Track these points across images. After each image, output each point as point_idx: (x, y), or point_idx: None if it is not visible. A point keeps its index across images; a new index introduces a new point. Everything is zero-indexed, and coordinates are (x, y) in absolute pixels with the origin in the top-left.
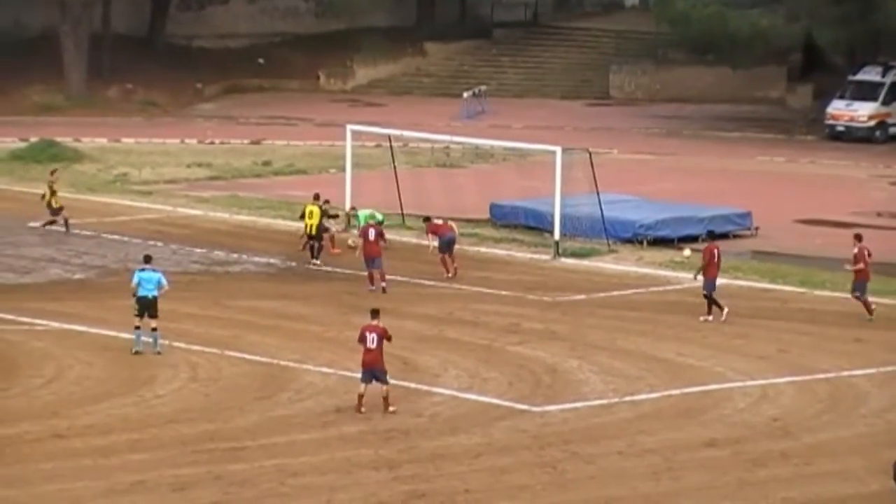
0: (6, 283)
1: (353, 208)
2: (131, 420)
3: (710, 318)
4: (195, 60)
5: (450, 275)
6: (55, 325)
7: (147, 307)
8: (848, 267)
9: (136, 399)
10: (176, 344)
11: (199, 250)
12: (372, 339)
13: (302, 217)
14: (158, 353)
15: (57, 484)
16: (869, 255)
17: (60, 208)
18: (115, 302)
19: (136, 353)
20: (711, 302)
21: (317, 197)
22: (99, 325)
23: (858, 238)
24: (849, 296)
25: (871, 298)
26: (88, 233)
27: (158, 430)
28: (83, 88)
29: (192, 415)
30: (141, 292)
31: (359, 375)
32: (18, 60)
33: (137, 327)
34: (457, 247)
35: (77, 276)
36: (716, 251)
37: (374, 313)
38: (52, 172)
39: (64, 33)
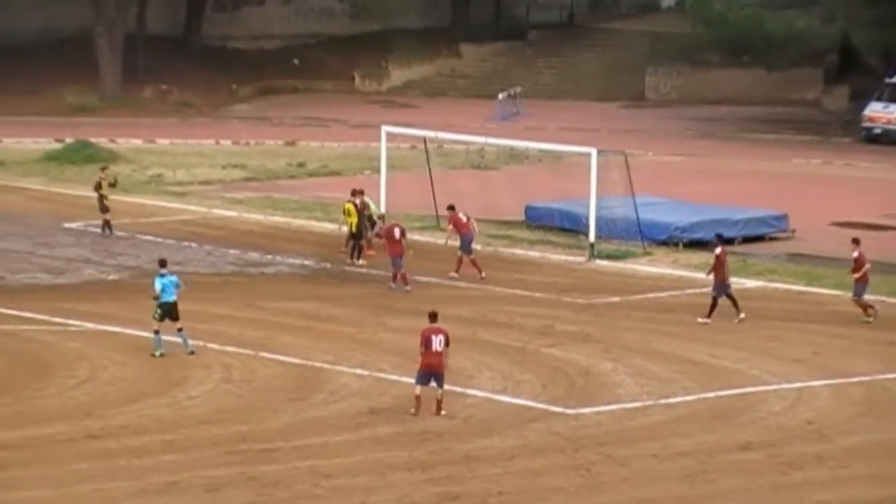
0: (41, 284)
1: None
2: (165, 421)
3: (709, 320)
4: (230, 61)
5: (456, 274)
6: (89, 325)
7: (170, 311)
8: (855, 275)
9: (169, 400)
10: (210, 345)
11: (233, 251)
12: (439, 342)
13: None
14: (192, 352)
15: (90, 484)
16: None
17: (108, 208)
18: (149, 303)
19: (161, 355)
20: (715, 305)
21: (354, 193)
22: (133, 326)
23: (857, 242)
24: (884, 299)
25: None
26: (123, 234)
27: (192, 431)
28: (118, 89)
29: (226, 416)
30: (164, 297)
31: (392, 377)
32: (53, 61)
33: (157, 331)
34: (490, 249)
35: (111, 277)
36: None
37: (433, 316)
38: (103, 169)
39: (99, 34)
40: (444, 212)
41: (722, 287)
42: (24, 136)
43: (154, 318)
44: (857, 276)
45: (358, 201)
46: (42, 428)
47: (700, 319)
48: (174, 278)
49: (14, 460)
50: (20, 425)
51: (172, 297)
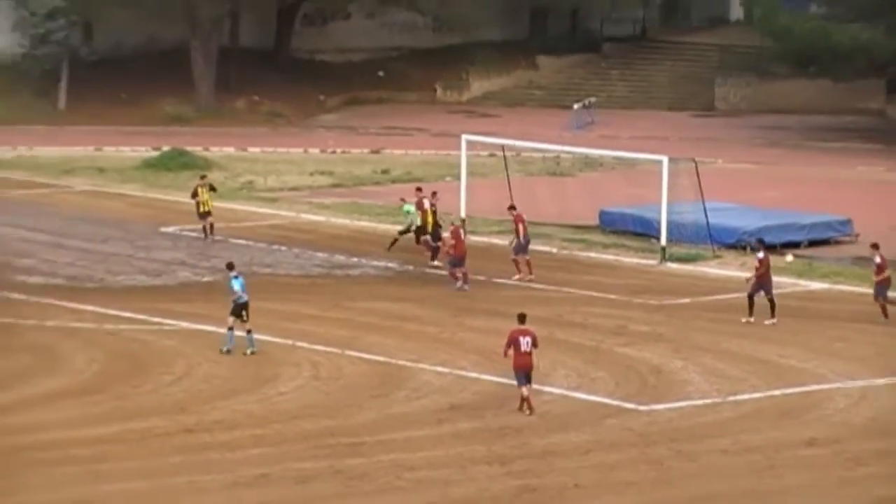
0: (139, 285)
1: (402, 199)
2: (256, 416)
3: (752, 319)
4: (318, 73)
5: (532, 277)
6: (184, 325)
7: (243, 310)
8: (875, 277)
9: (260, 396)
10: (299, 344)
11: (320, 254)
12: (527, 343)
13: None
14: (254, 352)
15: (185, 476)
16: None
17: (208, 213)
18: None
19: (227, 351)
20: (751, 304)
21: (433, 194)
22: (224, 326)
23: (876, 247)
24: None
25: None
26: (216, 237)
27: (282, 426)
28: (212, 100)
29: (314, 411)
30: (242, 297)
31: (472, 375)
32: (152, 74)
33: (231, 328)
34: (566, 252)
35: (205, 279)
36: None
37: (522, 318)
38: (202, 178)
39: (194, 48)
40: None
41: (758, 287)
42: (123, 145)
43: (232, 315)
44: (878, 279)
45: (428, 203)
46: (139, 422)
47: (766, 321)
48: (239, 280)
49: (113, 453)
50: (119, 420)
51: (246, 297)
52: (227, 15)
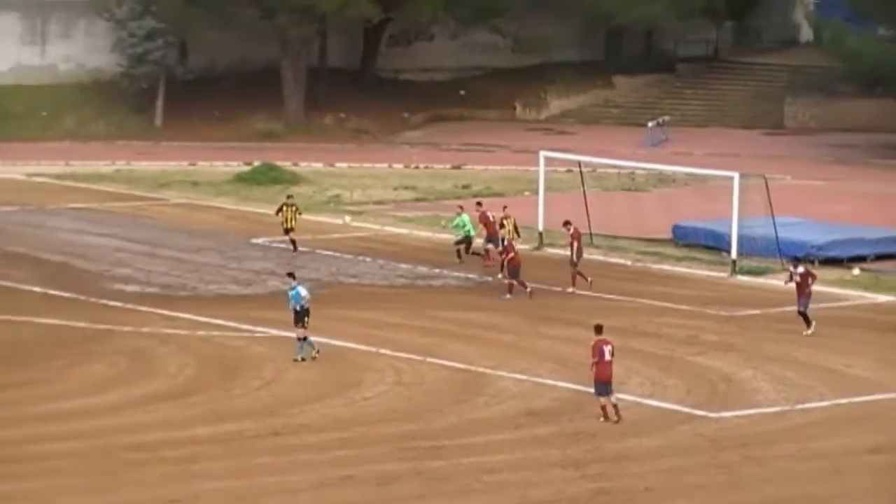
0: (231, 294)
1: (460, 207)
2: (341, 419)
3: (810, 331)
4: (403, 92)
5: (573, 289)
6: (273, 332)
7: (305, 317)
8: None
9: (346, 400)
10: (382, 351)
11: (404, 265)
12: (609, 352)
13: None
14: (302, 359)
15: (274, 477)
16: None
17: (291, 229)
18: (327, 311)
19: (303, 359)
20: (805, 318)
21: (504, 208)
22: (312, 333)
23: None
24: None
25: None
26: (304, 249)
27: (366, 429)
28: (301, 117)
29: (397, 415)
30: (306, 305)
31: (548, 382)
32: (243, 92)
33: (304, 338)
34: (640, 264)
35: None
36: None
37: (599, 329)
38: (289, 196)
39: (284, 67)
40: (597, 230)
41: (801, 302)
42: (216, 160)
43: (297, 323)
44: None
45: (493, 215)
46: (231, 425)
47: (805, 332)
48: (300, 289)
49: (206, 454)
50: (211, 422)
51: (305, 306)
52: (315, 36)
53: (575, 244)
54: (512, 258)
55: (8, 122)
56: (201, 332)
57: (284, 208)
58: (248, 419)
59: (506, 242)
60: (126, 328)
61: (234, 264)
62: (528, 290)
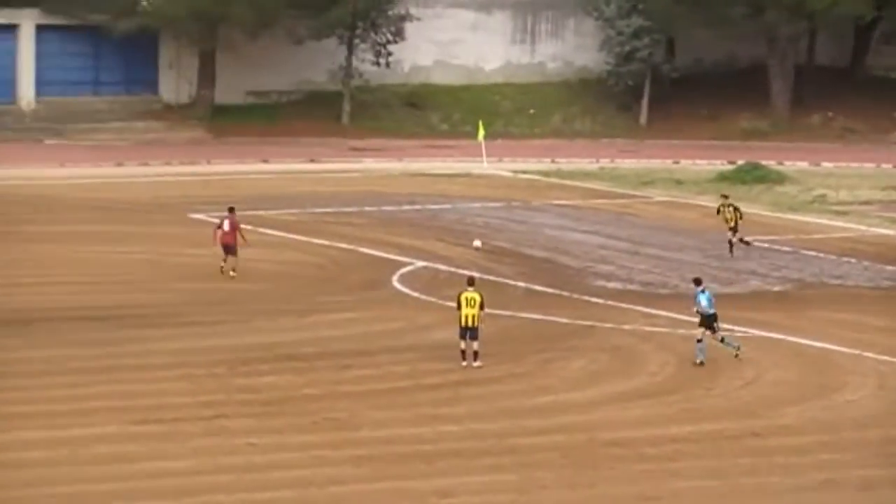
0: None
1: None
2: (822, 422)
3: None
4: (893, 91)
5: None
6: (753, 332)
7: (714, 321)
8: None
9: (826, 403)
10: (866, 354)
11: (889, 267)
12: None
13: None
14: (703, 362)
15: (752, 478)
16: None
17: (733, 228)
18: (811, 313)
19: (701, 363)
20: None
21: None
22: (794, 334)
23: None
24: None
25: None
26: (786, 249)
27: (848, 434)
28: (787, 115)
29: (879, 420)
30: (706, 310)
31: None
32: (729, 90)
33: (700, 340)
34: None
35: (776, 289)
36: None
37: None
38: (725, 197)
39: (771, 65)
40: None
41: None
42: (699, 158)
43: (700, 327)
44: None
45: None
46: (710, 424)
47: None
48: (705, 294)
49: (685, 452)
50: (690, 421)
51: (711, 310)
52: (804, 33)
53: None
54: None
55: (498, 118)
56: (682, 331)
57: (722, 208)
58: (727, 419)
59: None
60: (607, 325)
61: (716, 263)
62: None
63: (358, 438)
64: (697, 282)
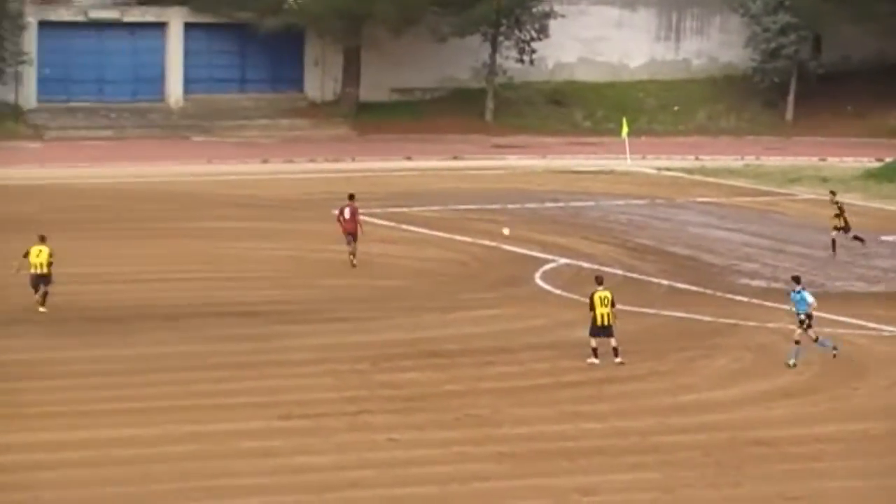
0: (857, 292)
1: None
2: None
3: None
4: None
5: None
6: None
7: (808, 319)
8: None
9: None
10: None
11: None
12: None
13: None
14: (794, 364)
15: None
16: None
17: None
18: None
19: (794, 365)
20: None
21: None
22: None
23: None
24: None
25: None
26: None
27: None
28: None
29: None
30: (810, 311)
31: None
32: (878, 87)
33: (797, 342)
34: None
35: None
36: None
37: None
38: (833, 193)
39: None
40: None
41: None
42: (846, 156)
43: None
44: None
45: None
46: (855, 424)
47: None
48: (805, 294)
49: (829, 452)
50: (835, 420)
51: (804, 311)
52: None
53: None
54: None
55: (642, 115)
56: (827, 330)
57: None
58: (873, 419)
59: None
60: (751, 323)
61: (863, 261)
62: None
63: (499, 435)
64: (796, 280)
